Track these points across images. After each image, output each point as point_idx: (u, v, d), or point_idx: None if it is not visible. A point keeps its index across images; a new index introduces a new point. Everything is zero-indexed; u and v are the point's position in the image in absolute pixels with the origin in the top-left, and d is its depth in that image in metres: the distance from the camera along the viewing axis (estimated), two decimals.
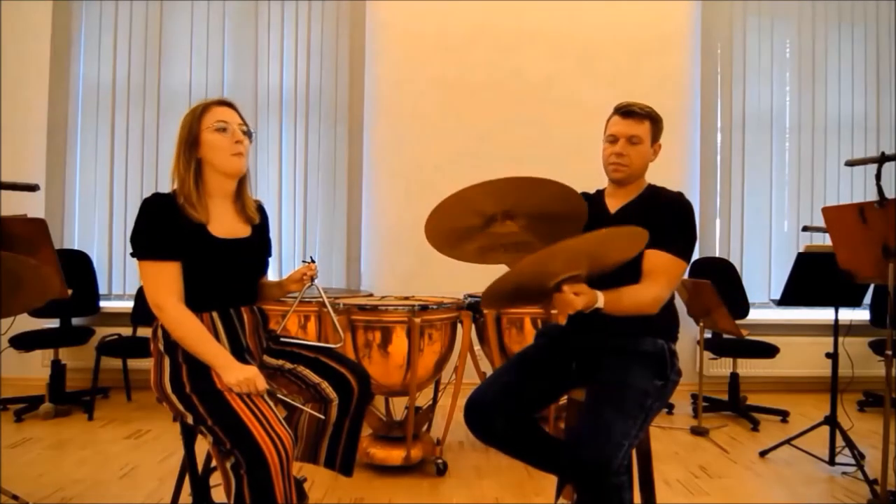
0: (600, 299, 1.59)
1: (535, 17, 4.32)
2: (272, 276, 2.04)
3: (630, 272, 1.72)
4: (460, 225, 1.72)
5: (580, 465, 1.55)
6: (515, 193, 1.64)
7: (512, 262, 1.75)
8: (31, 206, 3.55)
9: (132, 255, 1.68)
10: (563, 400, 1.99)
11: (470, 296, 3.00)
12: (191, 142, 1.70)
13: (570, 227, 1.70)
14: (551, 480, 2.08)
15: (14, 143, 4.15)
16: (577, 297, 1.54)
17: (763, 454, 3.01)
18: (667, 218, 1.77)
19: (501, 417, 1.78)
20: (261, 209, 1.91)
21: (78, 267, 3.92)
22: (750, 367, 4.08)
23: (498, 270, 1.54)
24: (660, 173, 1.99)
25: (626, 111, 1.84)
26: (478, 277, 3.35)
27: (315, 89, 4.33)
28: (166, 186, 1.75)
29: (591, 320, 1.87)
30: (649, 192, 1.89)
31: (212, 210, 1.73)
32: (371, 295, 3.23)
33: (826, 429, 2.89)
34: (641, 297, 1.69)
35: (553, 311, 1.75)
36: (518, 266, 1.50)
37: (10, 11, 4.15)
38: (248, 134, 1.77)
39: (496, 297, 1.68)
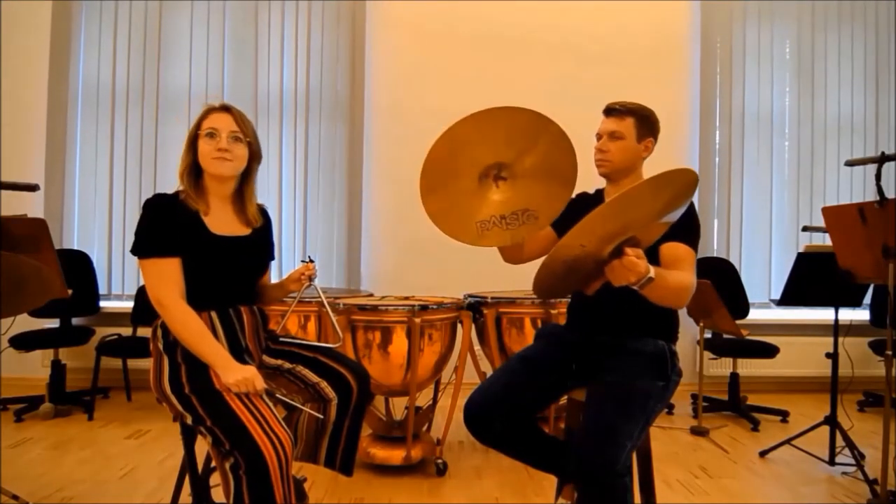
0: (651, 270, 1.51)
1: (536, 16, 4.32)
2: (272, 277, 2.05)
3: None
4: (455, 180, 1.72)
5: (584, 466, 1.55)
6: (508, 135, 1.66)
7: (512, 238, 1.75)
8: (31, 206, 3.55)
9: (132, 252, 1.69)
10: (563, 400, 2.00)
11: (470, 296, 3.00)
12: (191, 142, 1.77)
13: (561, 188, 1.75)
14: (551, 480, 2.08)
15: (14, 143, 4.14)
16: (640, 261, 1.47)
17: (763, 454, 3.01)
18: None
19: (500, 419, 1.79)
20: (264, 213, 1.93)
21: (78, 267, 3.92)
22: (750, 367, 4.08)
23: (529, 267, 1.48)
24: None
25: (607, 110, 1.90)
26: (478, 277, 3.35)
27: (315, 89, 4.33)
28: (166, 186, 1.78)
29: (590, 320, 1.88)
30: None
31: (210, 205, 1.78)
32: (371, 295, 3.23)
33: (826, 429, 2.89)
34: (681, 278, 1.66)
35: (593, 287, 1.69)
36: (580, 226, 1.40)
37: (9, 11, 4.15)
38: (240, 140, 1.76)
39: (548, 275, 1.57)
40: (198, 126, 1.75)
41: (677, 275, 1.68)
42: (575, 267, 1.56)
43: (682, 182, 1.48)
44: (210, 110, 1.77)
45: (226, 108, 1.78)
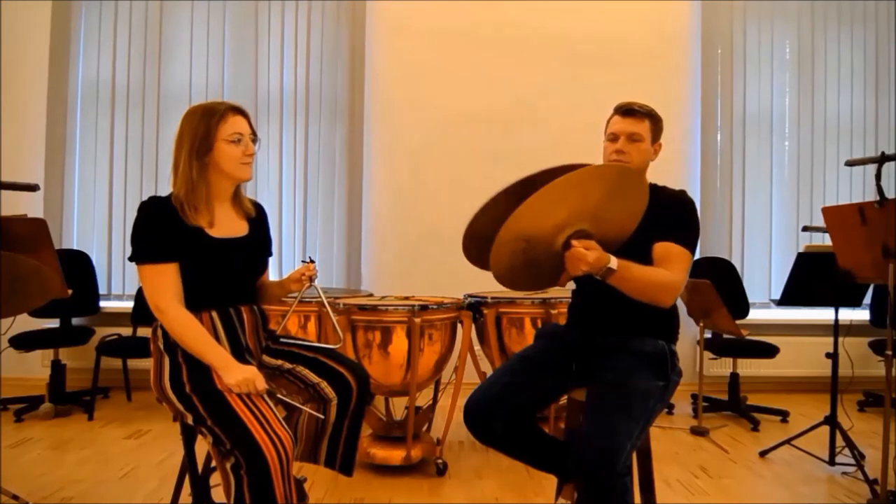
0: (613, 261, 1.58)
1: (536, 17, 4.31)
2: (272, 276, 2.05)
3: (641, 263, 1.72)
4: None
5: (585, 466, 1.55)
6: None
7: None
8: (30, 206, 3.55)
9: (130, 259, 1.69)
10: (563, 400, 2.00)
11: (470, 296, 3.00)
12: (205, 148, 1.71)
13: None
14: (551, 480, 2.08)
15: (13, 143, 4.14)
16: (588, 252, 1.54)
17: (763, 454, 3.01)
18: (671, 213, 1.77)
19: (500, 419, 1.79)
20: (259, 209, 1.93)
21: (78, 267, 3.92)
22: (750, 367, 4.08)
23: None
24: (660, 173, 1.99)
25: (626, 110, 1.87)
26: (478, 277, 3.35)
27: (315, 89, 4.33)
28: (166, 186, 1.76)
29: (591, 320, 1.88)
30: (651, 190, 1.89)
31: (214, 212, 1.75)
32: (371, 295, 3.23)
33: (826, 429, 2.89)
34: (656, 273, 1.68)
35: (563, 283, 1.72)
36: (513, 217, 1.45)
37: (9, 11, 4.14)
38: (255, 141, 1.80)
39: (507, 268, 1.62)
40: (216, 129, 1.70)
41: (652, 271, 1.69)
42: (533, 259, 1.59)
43: (616, 178, 1.53)
44: (227, 112, 1.73)
45: (240, 110, 1.77)
